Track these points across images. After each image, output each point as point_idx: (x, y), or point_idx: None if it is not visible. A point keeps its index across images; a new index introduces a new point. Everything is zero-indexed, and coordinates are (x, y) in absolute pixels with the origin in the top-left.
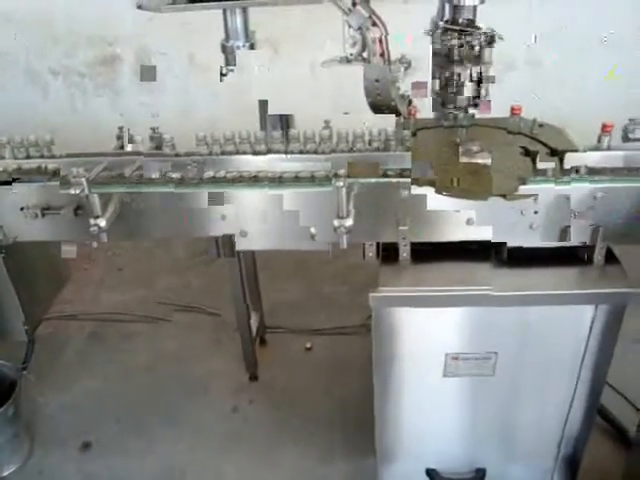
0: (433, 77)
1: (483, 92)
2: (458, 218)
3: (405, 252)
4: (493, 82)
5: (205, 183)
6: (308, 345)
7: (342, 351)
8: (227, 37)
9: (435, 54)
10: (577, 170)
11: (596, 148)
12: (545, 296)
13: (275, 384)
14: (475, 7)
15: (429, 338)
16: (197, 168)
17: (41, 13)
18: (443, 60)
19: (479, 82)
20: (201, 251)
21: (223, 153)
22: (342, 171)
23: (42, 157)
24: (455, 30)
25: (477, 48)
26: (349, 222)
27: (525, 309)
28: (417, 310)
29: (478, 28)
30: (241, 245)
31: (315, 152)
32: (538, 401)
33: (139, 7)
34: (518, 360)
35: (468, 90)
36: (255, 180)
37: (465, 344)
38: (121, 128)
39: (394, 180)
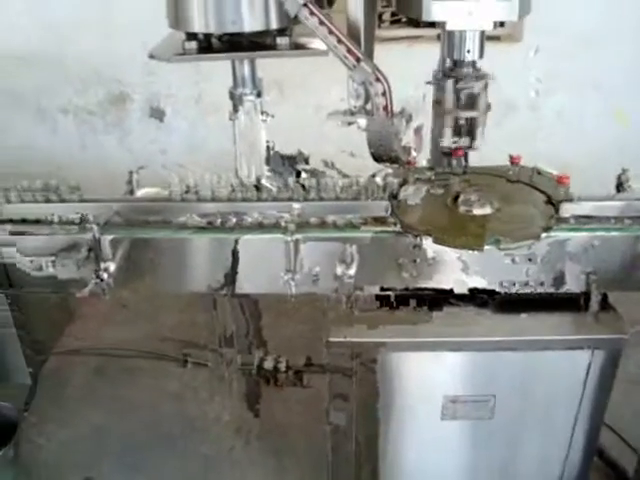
0: (433, 128)
1: (479, 136)
2: (456, 266)
3: (406, 298)
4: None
5: (219, 229)
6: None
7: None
8: (235, 85)
9: (435, 103)
10: (574, 218)
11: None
12: (542, 341)
13: (276, 422)
14: (474, 62)
15: (427, 381)
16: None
17: (53, 52)
18: (442, 108)
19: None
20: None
21: (244, 200)
22: (291, 225)
23: (48, 201)
24: (452, 76)
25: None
26: (352, 270)
27: (523, 354)
28: (416, 354)
29: (478, 71)
30: (245, 288)
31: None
32: (537, 444)
33: (151, 57)
34: (516, 403)
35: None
36: (263, 227)
37: (463, 387)
38: (131, 173)
39: (393, 229)
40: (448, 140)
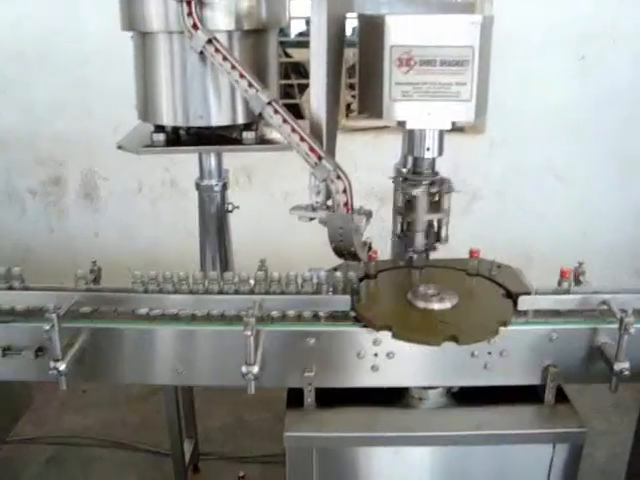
0: (394, 221)
1: (443, 234)
2: (415, 360)
3: (366, 392)
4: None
5: (180, 321)
6: (241, 474)
7: None
8: (201, 176)
9: (396, 201)
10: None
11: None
12: (504, 435)
13: None
14: (434, 159)
15: (388, 477)
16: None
17: (26, 134)
18: (403, 207)
19: (438, 228)
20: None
21: (206, 292)
22: (252, 319)
23: (11, 288)
24: (414, 180)
25: (436, 197)
26: (256, 369)
27: (484, 448)
28: (376, 449)
29: (436, 175)
30: (204, 380)
31: (251, 292)
32: None
33: (119, 148)
34: None
35: (420, 238)
36: (207, 319)
37: None
38: (94, 262)
39: (301, 329)
40: (420, 243)
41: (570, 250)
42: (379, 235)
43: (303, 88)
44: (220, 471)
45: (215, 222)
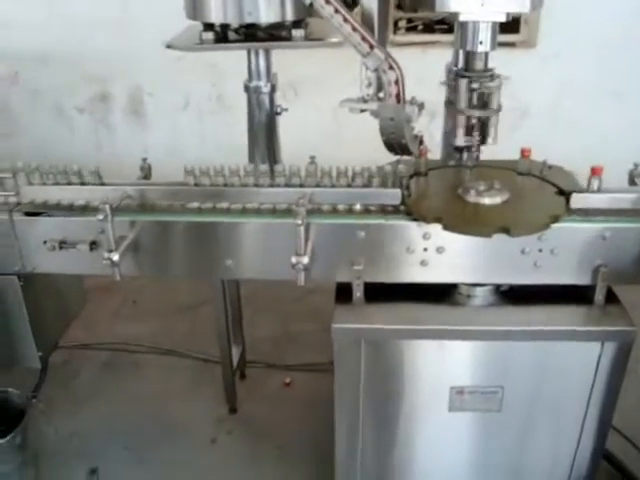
0: (445, 126)
1: (491, 136)
2: (466, 255)
3: (414, 287)
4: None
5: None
6: (287, 380)
7: (319, 387)
8: (250, 77)
9: (448, 103)
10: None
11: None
12: (553, 332)
13: (254, 417)
14: (487, 54)
15: (434, 371)
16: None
17: (71, 51)
18: (454, 106)
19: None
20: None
21: (256, 185)
22: (302, 209)
23: (70, 184)
24: (466, 76)
25: (486, 93)
26: (306, 260)
27: (532, 344)
28: (423, 342)
29: (489, 71)
30: (254, 274)
31: (302, 185)
32: (545, 440)
33: (168, 46)
34: (525, 396)
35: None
36: (275, 212)
37: (471, 378)
38: (145, 159)
39: (351, 221)
40: (461, 139)
41: (624, 167)
42: (429, 149)
43: None
44: (266, 378)
45: (264, 124)
